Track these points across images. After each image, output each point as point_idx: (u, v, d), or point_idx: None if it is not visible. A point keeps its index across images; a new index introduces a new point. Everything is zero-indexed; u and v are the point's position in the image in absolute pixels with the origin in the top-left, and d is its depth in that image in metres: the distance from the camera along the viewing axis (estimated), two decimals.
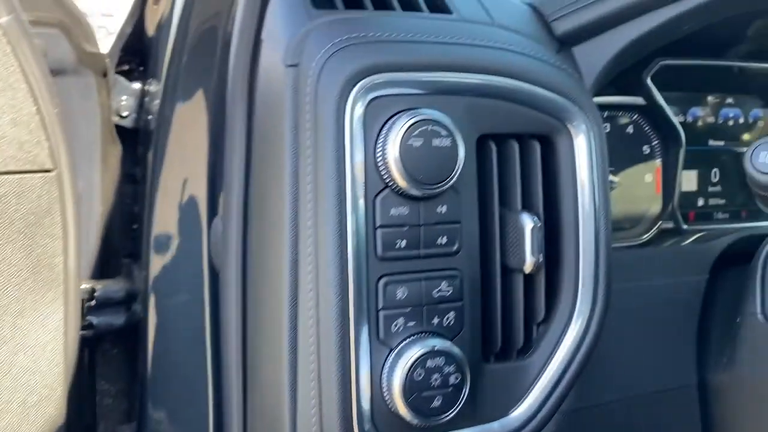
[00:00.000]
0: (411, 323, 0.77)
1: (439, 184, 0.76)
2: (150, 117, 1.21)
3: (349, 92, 0.74)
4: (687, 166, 1.24)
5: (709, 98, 1.26)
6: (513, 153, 0.85)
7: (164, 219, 1.11)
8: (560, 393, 0.86)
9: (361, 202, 0.75)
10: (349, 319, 0.74)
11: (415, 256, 0.77)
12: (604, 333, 0.94)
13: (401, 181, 0.74)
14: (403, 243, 0.76)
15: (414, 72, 0.77)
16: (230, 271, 0.88)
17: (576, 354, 0.86)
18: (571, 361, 0.86)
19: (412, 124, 0.74)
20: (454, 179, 0.77)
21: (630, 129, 1.19)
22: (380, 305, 0.76)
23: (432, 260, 0.78)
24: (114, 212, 1.30)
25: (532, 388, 0.85)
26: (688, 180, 1.26)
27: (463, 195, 0.80)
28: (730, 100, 1.28)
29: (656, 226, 1.20)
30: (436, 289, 0.78)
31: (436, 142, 0.75)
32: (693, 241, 1.14)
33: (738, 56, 1.14)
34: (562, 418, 0.90)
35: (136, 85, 1.30)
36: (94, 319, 1.20)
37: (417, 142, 0.74)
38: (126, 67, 1.29)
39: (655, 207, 1.22)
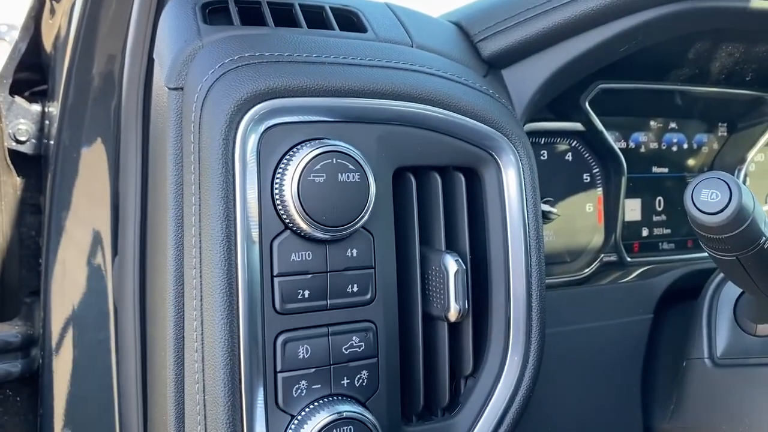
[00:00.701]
0: (316, 386, 0.67)
1: (347, 226, 0.66)
2: (51, 143, 1.10)
3: (240, 120, 0.64)
4: (630, 194, 1.18)
5: (652, 123, 1.21)
6: (435, 187, 0.76)
7: (64, 254, 1.00)
8: None
9: (255, 247, 0.65)
10: (239, 383, 0.64)
11: (321, 307, 0.67)
12: (540, 383, 0.85)
13: (302, 223, 0.64)
14: (307, 293, 0.66)
15: (318, 97, 0.68)
16: (128, 315, 0.78)
17: (508, 409, 0.77)
18: (503, 418, 0.77)
19: (314, 157, 0.64)
20: (365, 219, 0.67)
21: (569, 156, 1.11)
22: (279, 366, 0.66)
23: (341, 312, 0.68)
24: (12, 247, 1.18)
25: None
26: (631, 209, 1.20)
27: (378, 236, 0.70)
28: (673, 125, 1.23)
29: (598, 260, 1.12)
30: (346, 345, 0.68)
31: (342, 177, 0.65)
32: (637, 276, 1.06)
33: (679, 80, 1.08)
34: None
35: (36, 107, 1.18)
36: None
37: (319, 178, 0.64)
38: (24, 87, 1.17)
39: (597, 239, 1.14)
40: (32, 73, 1.18)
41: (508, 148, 0.77)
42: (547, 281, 1.04)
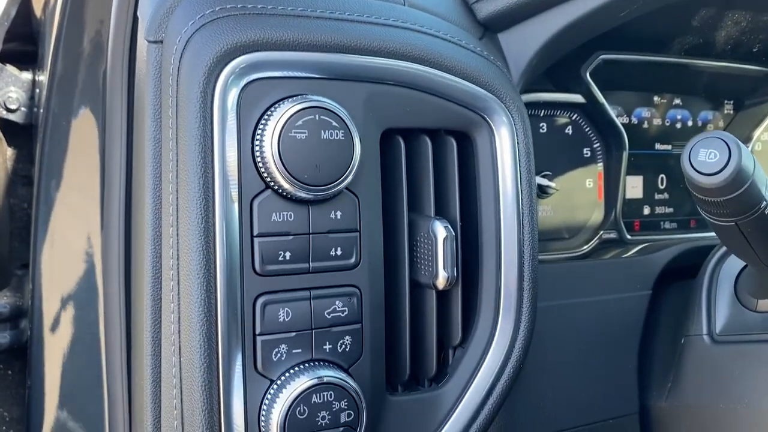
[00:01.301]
0: (296, 350, 0.64)
1: (330, 186, 0.64)
2: (41, 111, 1.08)
3: (219, 73, 0.61)
4: (632, 171, 1.15)
5: (656, 99, 1.17)
6: (425, 151, 0.74)
7: (53, 225, 0.98)
8: (479, 427, 0.74)
9: (235, 206, 0.62)
10: (216, 346, 0.61)
11: (303, 270, 0.65)
12: (535, 357, 0.83)
13: (283, 182, 0.62)
14: (288, 255, 0.64)
15: (303, 51, 0.65)
16: (113, 282, 0.76)
17: (497, 381, 0.75)
18: (492, 390, 0.75)
19: (295, 113, 0.62)
20: (349, 180, 0.65)
21: (569, 130, 1.09)
22: (258, 329, 0.63)
23: (324, 275, 0.66)
24: (3, 216, 1.16)
25: (446, 423, 0.73)
26: (633, 186, 1.17)
27: (363, 198, 0.68)
28: (677, 101, 1.19)
29: (597, 236, 1.10)
30: (329, 310, 0.66)
31: (325, 134, 0.63)
32: (636, 252, 1.03)
33: (683, 51, 1.05)
34: None
35: (26, 75, 1.16)
36: None
37: (301, 135, 0.62)
38: (14, 55, 1.15)
39: (597, 215, 1.11)
40: (23, 41, 1.16)
41: (501, 112, 0.75)
42: (544, 257, 1.02)
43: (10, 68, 1.13)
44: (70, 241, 0.94)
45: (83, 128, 0.92)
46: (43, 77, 1.08)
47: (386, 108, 0.69)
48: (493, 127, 0.75)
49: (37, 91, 1.15)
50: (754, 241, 0.65)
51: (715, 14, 0.92)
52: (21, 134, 1.15)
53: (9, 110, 1.14)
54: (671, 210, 1.19)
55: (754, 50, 1.05)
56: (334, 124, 0.63)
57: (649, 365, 0.93)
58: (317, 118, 0.62)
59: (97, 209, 0.85)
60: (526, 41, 0.82)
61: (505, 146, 0.75)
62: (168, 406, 0.64)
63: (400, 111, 0.70)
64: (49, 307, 0.98)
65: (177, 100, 0.62)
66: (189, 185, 0.61)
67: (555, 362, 0.86)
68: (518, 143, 0.76)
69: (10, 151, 1.18)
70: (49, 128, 1.00)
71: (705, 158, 0.59)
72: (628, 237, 1.11)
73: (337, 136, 0.63)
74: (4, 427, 1.21)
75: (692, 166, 0.59)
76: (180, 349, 0.62)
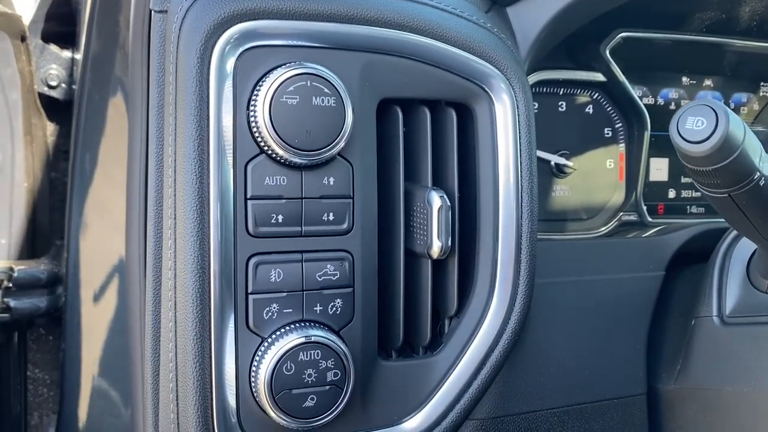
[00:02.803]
0: (287, 310, 0.67)
1: (321, 151, 0.65)
2: (77, 87, 1.13)
3: (216, 40, 0.64)
4: (657, 153, 1.12)
5: (684, 79, 1.14)
6: (423, 121, 0.74)
7: (88, 197, 1.03)
8: (471, 397, 0.75)
9: (229, 168, 0.65)
10: (209, 302, 0.64)
11: (295, 233, 0.67)
12: (541, 331, 0.83)
13: (275, 146, 0.64)
14: (280, 218, 0.66)
15: (300, 21, 0.67)
16: (133, 246, 0.79)
17: (491, 352, 0.75)
18: (485, 361, 0.75)
19: (287, 79, 0.64)
20: (341, 146, 0.66)
21: (589, 109, 1.07)
22: (250, 288, 0.66)
23: (316, 239, 0.68)
24: (43, 189, 1.23)
25: (438, 390, 0.74)
26: (657, 169, 1.14)
27: (358, 166, 0.69)
28: (708, 83, 1.16)
29: (617, 218, 1.08)
30: (320, 273, 0.68)
31: (316, 100, 0.64)
32: (652, 233, 1.02)
33: (705, 27, 1.02)
34: (479, 425, 0.79)
35: (67, 54, 1.22)
36: (11, 302, 1.12)
37: (292, 100, 0.64)
38: (56, 33, 1.21)
39: (618, 196, 1.10)
40: (63, 21, 1.21)
41: (502, 84, 0.75)
42: (560, 237, 1.01)
43: (52, 47, 1.19)
44: (102, 211, 0.99)
45: (114, 103, 0.96)
46: (79, 55, 1.13)
47: (383, 78, 0.71)
48: (494, 99, 0.75)
49: (75, 68, 1.20)
50: (751, 213, 0.63)
51: None
52: (61, 110, 1.21)
53: (50, 87, 1.20)
54: (698, 194, 1.16)
55: None
56: (326, 90, 0.65)
57: (658, 347, 0.91)
58: (309, 84, 0.64)
59: (125, 182, 0.90)
60: (534, 15, 0.82)
61: (505, 119, 0.75)
62: (165, 359, 0.67)
63: (398, 81, 0.72)
64: (83, 274, 1.03)
65: (177, 66, 0.64)
66: (185, 147, 0.64)
67: (561, 337, 0.85)
68: (519, 116, 0.76)
69: (51, 127, 1.24)
70: (84, 104, 1.05)
71: (692, 126, 0.58)
72: (649, 219, 1.09)
73: (328, 102, 0.65)
74: (45, 389, 1.28)
75: (680, 134, 0.58)
76: (176, 304, 0.65)
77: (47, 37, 1.19)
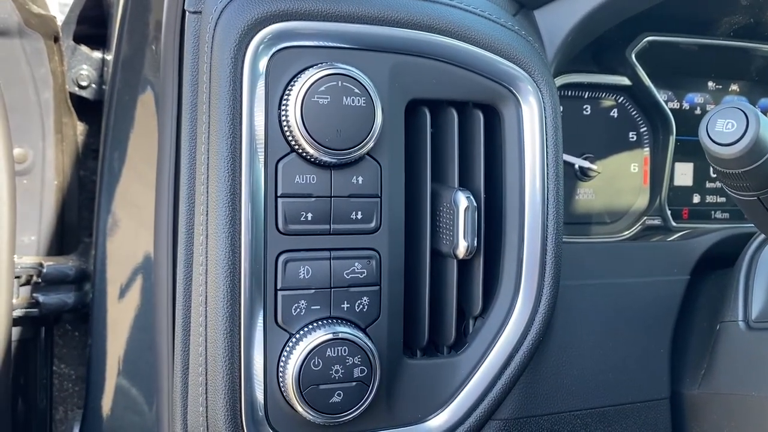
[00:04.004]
0: (315, 307, 0.68)
1: (351, 150, 0.66)
2: (107, 87, 1.15)
3: (250, 41, 0.65)
4: (682, 158, 1.12)
5: (710, 84, 1.14)
6: (451, 122, 0.75)
7: (116, 195, 1.05)
8: (495, 396, 0.76)
9: (261, 167, 0.66)
10: (239, 297, 0.65)
11: (324, 231, 0.68)
12: (565, 333, 0.83)
13: (305, 145, 0.65)
14: (310, 216, 0.67)
15: (331, 22, 0.68)
16: (161, 246, 0.81)
17: (515, 353, 0.76)
18: (509, 362, 0.76)
19: (318, 79, 0.65)
20: (370, 145, 0.67)
21: (614, 112, 1.07)
22: (279, 285, 0.67)
23: (344, 237, 0.69)
24: (72, 187, 1.25)
25: (462, 389, 0.75)
26: (682, 173, 1.14)
27: (386, 166, 0.70)
28: (734, 88, 1.16)
29: (641, 222, 1.08)
30: (348, 270, 0.69)
31: (346, 100, 0.65)
32: (677, 237, 1.01)
33: (734, 32, 1.01)
34: (503, 426, 0.79)
35: (97, 54, 1.24)
36: (40, 297, 1.15)
37: (323, 100, 0.65)
38: (87, 35, 1.24)
39: (642, 200, 1.10)
40: (94, 24, 1.24)
41: (530, 86, 0.76)
42: (583, 240, 1.02)
43: (83, 48, 1.22)
44: (130, 209, 1.00)
45: (143, 102, 0.98)
46: (110, 57, 1.15)
47: (412, 79, 0.71)
48: (521, 101, 0.76)
49: (105, 69, 1.23)
50: None
51: None
52: (91, 110, 1.24)
53: (81, 87, 1.23)
54: (723, 199, 1.16)
55: None
56: (356, 90, 0.66)
57: (682, 351, 0.91)
58: (339, 84, 0.65)
59: (154, 180, 0.91)
60: (561, 18, 0.82)
61: (532, 121, 0.76)
62: (195, 353, 0.68)
63: (426, 82, 0.72)
64: (110, 271, 1.05)
65: (211, 66, 0.66)
66: (218, 146, 0.65)
67: (585, 340, 0.85)
68: (546, 118, 0.76)
69: (81, 126, 1.27)
70: (114, 103, 1.07)
71: (722, 128, 0.58)
72: (674, 224, 1.09)
73: (358, 102, 0.66)
74: (70, 384, 1.30)
75: (709, 137, 0.59)
76: (206, 299, 0.66)
77: (79, 39, 1.22)
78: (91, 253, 1.20)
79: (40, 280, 1.15)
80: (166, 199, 0.80)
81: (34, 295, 1.15)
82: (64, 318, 1.28)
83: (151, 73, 0.95)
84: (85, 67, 1.24)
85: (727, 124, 0.58)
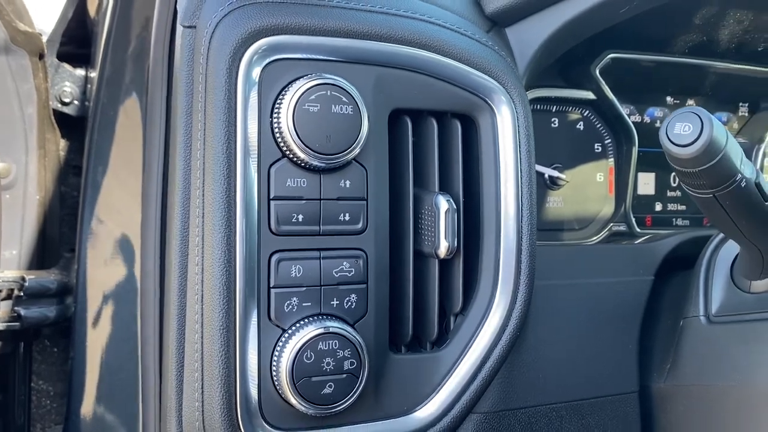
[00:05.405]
0: (306, 303, 0.71)
1: (339, 155, 0.71)
2: (91, 104, 1.18)
3: (243, 52, 0.69)
4: (644, 168, 1.19)
5: (668, 99, 1.22)
6: (431, 131, 0.80)
7: (99, 209, 1.07)
8: (476, 390, 0.80)
9: (254, 171, 0.70)
10: (234, 295, 0.69)
11: (314, 232, 0.72)
12: (538, 331, 0.88)
13: (297, 150, 0.69)
14: (300, 217, 0.71)
15: (319, 36, 0.73)
16: (149, 255, 0.83)
17: (493, 349, 0.80)
18: (488, 356, 0.80)
19: (309, 88, 0.69)
20: (357, 151, 0.72)
21: (580, 125, 1.14)
22: (272, 282, 0.71)
23: (333, 238, 0.73)
24: (54, 202, 1.26)
25: (444, 383, 0.79)
26: (645, 183, 1.21)
27: (371, 171, 0.75)
28: (691, 102, 1.23)
29: (607, 228, 1.14)
30: (337, 269, 0.73)
31: (335, 108, 0.70)
32: (641, 241, 1.08)
33: (688, 50, 1.09)
34: (482, 419, 0.83)
35: (80, 72, 1.27)
36: (22, 311, 1.15)
37: (313, 108, 0.69)
38: (70, 52, 1.26)
39: (608, 208, 1.16)
40: (77, 43, 1.27)
41: (503, 97, 0.81)
42: (555, 244, 1.07)
43: (66, 65, 1.24)
44: (113, 224, 1.03)
45: (128, 119, 1.01)
46: (94, 74, 1.18)
47: (394, 89, 0.76)
48: (496, 111, 0.81)
49: (89, 86, 1.25)
50: (733, 213, 0.69)
51: (716, 13, 0.97)
52: (73, 126, 1.26)
53: (63, 103, 1.25)
54: (684, 207, 1.23)
55: (759, 49, 1.09)
56: (344, 99, 0.70)
57: (649, 347, 0.96)
58: (329, 93, 0.70)
59: (139, 193, 0.94)
60: (530, 36, 0.88)
61: (506, 129, 0.81)
62: (190, 350, 0.71)
63: (407, 93, 0.77)
64: (93, 283, 1.06)
65: (206, 76, 0.70)
66: (214, 151, 0.69)
67: (558, 337, 0.90)
68: (519, 126, 0.82)
69: (62, 142, 1.29)
70: (98, 119, 1.10)
71: (680, 131, 0.64)
72: (638, 230, 1.15)
73: (346, 110, 0.70)
74: (48, 401, 1.30)
75: (669, 139, 0.64)
76: (202, 297, 0.69)
77: (61, 57, 1.25)
78: (72, 267, 1.21)
79: (22, 294, 1.16)
80: (154, 206, 0.83)
81: (16, 308, 1.16)
82: (44, 333, 1.28)
83: (136, 87, 0.98)
84: (68, 83, 1.26)
85: (685, 127, 0.64)
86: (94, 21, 1.22)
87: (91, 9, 1.24)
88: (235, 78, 0.69)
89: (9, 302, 1.15)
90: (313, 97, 0.69)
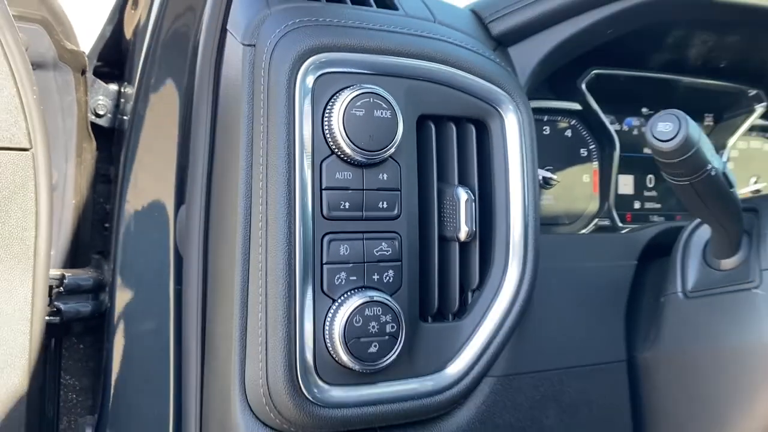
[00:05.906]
0: (353, 277, 0.84)
1: (380, 151, 0.84)
2: (125, 118, 1.28)
3: (299, 67, 0.83)
4: (624, 171, 1.35)
5: (644, 110, 1.38)
6: (450, 134, 0.94)
7: (133, 214, 1.16)
8: (491, 355, 0.93)
9: (308, 166, 0.83)
10: (295, 271, 0.81)
11: (358, 217, 0.85)
12: (540, 307, 1.01)
13: (345, 148, 0.83)
14: (347, 205, 0.84)
15: (360, 53, 0.86)
16: (192, 249, 0.94)
17: (505, 319, 0.94)
18: (501, 326, 0.94)
19: (355, 96, 0.83)
20: (394, 148, 0.85)
21: (568, 132, 1.29)
22: (324, 260, 0.83)
23: (373, 222, 0.86)
24: (87, 207, 1.36)
25: (464, 348, 0.92)
26: (624, 184, 1.37)
27: (404, 166, 0.88)
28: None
29: (593, 223, 1.29)
30: (377, 248, 0.86)
31: (377, 113, 0.84)
32: (625, 231, 1.23)
33: (662, 65, 1.25)
34: (496, 381, 0.97)
35: (113, 87, 1.38)
36: (61, 305, 1.23)
37: (359, 112, 0.83)
38: (104, 69, 1.38)
39: (593, 205, 1.31)
40: (110, 58, 1.38)
41: (510, 105, 0.96)
42: (550, 234, 1.21)
43: (100, 80, 1.36)
44: (147, 228, 1.12)
45: (164, 131, 1.12)
46: (129, 89, 1.29)
47: (421, 98, 0.90)
48: (504, 117, 0.96)
49: (122, 100, 1.36)
50: (705, 198, 0.84)
51: (685, 34, 1.13)
52: (104, 137, 1.37)
53: (98, 115, 1.36)
54: (659, 205, 1.39)
55: (721, 66, 1.26)
56: (384, 105, 0.84)
57: (635, 322, 1.11)
58: (371, 100, 0.83)
59: (171, 202, 1.04)
60: (530, 53, 1.04)
61: (513, 132, 0.96)
62: (253, 321, 0.83)
63: (431, 101, 0.91)
64: (128, 279, 1.16)
65: (268, 87, 0.83)
66: (277, 151, 0.82)
67: (558, 312, 1.04)
68: (524, 129, 0.96)
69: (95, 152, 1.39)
70: (134, 132, 1.20)
71: (662, 129, 0.79)
72: (620, 225, 1.31)
73: (385, 114, 0.84)
74: (74, 395, 1.39)
75: (653, 135, 0.80)
76: (266, 273, 0.82)
77: (95, 72, 1.36)
78: (104, 267, 1.30)
79: (62, 290, 1.25)
80: (198, 202, 0.94)
81: (55, 303, 1.24)
82: (73, 330, 1.36)
83: (177, 99, 1.09)
84: (101, 97, 1.37)
85: (666, 126, 0.79)
86: (130, 41, 1.34)
87: (128, 29, 1.36)
88: (294, 89, 0.82)
89: (49, 298, 1.24)
90: (359, 103, 0.83)
